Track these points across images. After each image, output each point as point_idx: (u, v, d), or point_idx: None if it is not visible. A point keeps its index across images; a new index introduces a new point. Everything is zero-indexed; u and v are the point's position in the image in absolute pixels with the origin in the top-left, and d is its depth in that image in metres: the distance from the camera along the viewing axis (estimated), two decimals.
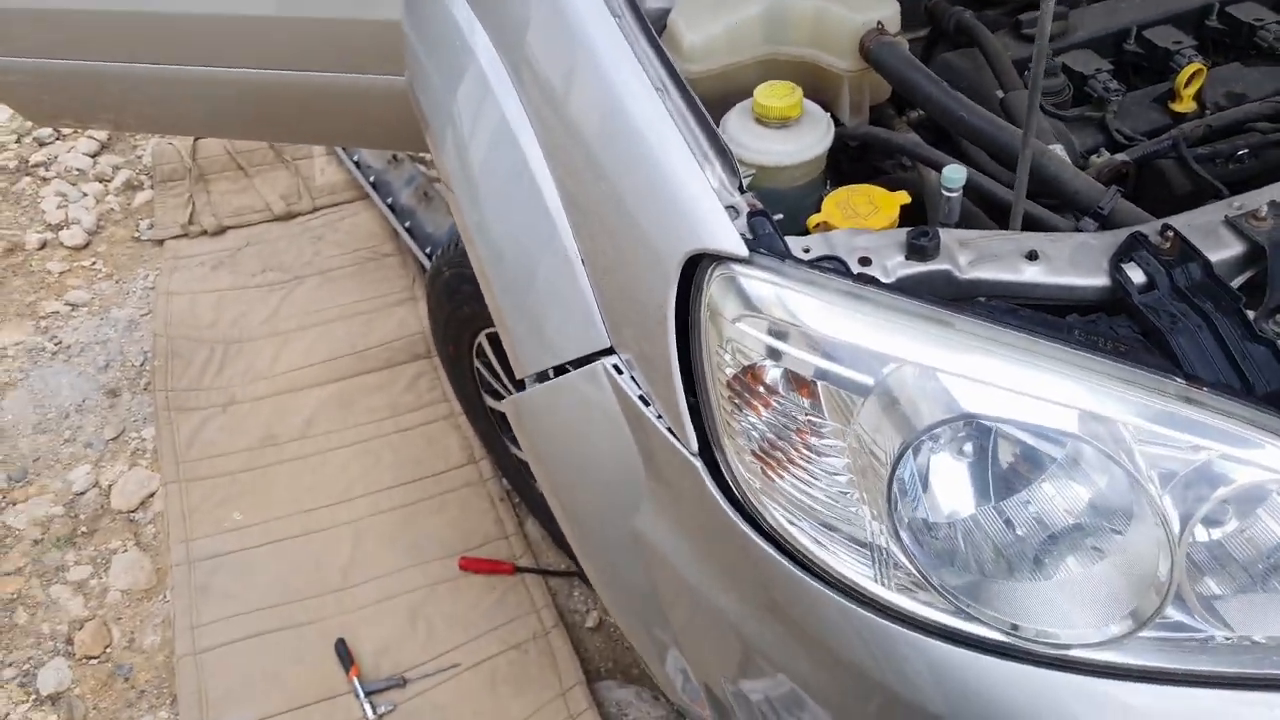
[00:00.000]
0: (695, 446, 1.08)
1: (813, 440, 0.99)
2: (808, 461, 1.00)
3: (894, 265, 1.03)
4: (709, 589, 1.19)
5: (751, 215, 1.04)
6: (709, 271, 1.02)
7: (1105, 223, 1.14)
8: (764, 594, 1.08)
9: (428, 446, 2.57)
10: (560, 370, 1.27)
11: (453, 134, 1.46)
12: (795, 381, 0.99)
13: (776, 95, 1.20)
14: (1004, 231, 1.07)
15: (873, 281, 0.97)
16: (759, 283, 0.99)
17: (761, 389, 1.01)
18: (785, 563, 1.03)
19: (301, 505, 2.45)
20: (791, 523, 1.02)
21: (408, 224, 2.89)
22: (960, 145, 1.33)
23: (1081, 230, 1.13)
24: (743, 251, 0.99)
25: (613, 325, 1.20)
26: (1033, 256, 1.03)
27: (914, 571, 0.95)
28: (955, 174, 1.10)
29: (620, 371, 1.18)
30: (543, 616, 2.26)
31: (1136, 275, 1.01)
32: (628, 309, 1.15)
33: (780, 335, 0.98)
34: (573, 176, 1.22)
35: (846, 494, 0.98)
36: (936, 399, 0.91)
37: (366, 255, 3.04)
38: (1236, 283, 1.03)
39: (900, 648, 0.97)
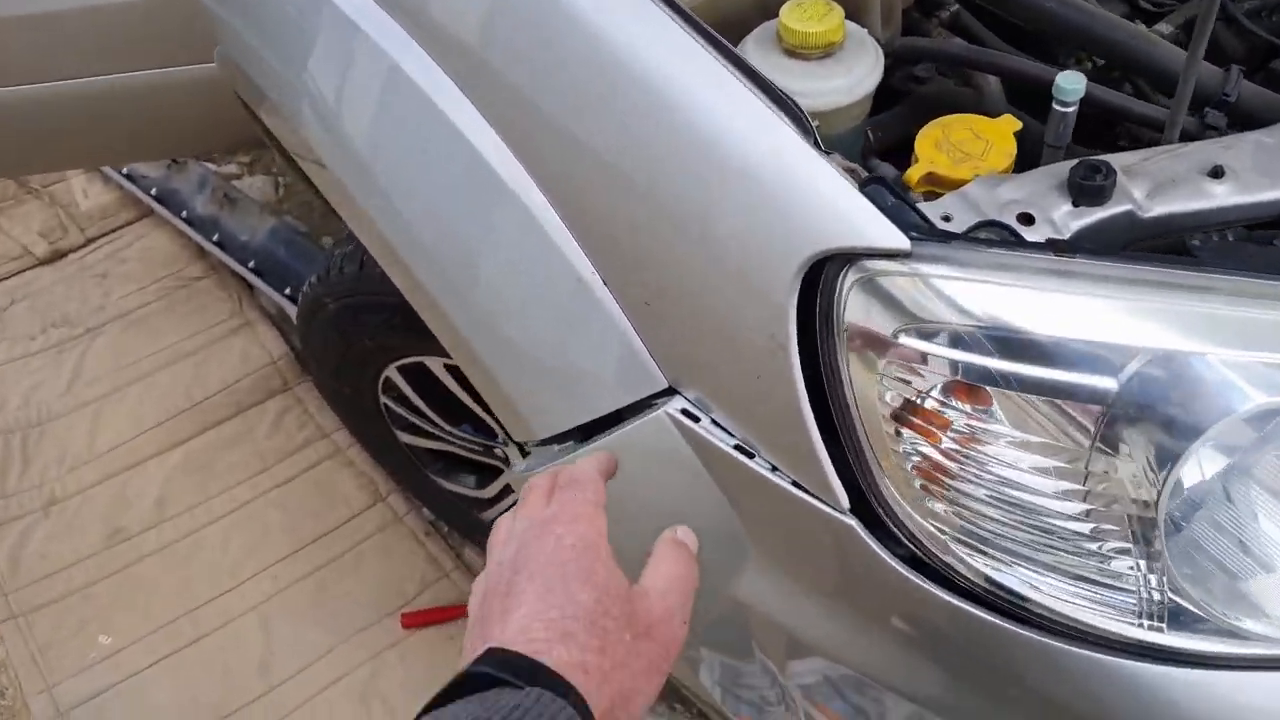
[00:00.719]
0: (846, 503, 0.82)
1: (1021, 473, 0.75)
2: (1013, 499, 0.76)
3: (1063, 217, 0.79)
4: (840, 649, 0.95)
5: (864, 185, 0.77)
6: (842, 278, 0.75)
7: (1232, 111, 0.94)
8: (953, 653, 0.85)
9: (319, 495, 2.17)
10: (593, 428, 0.97)
11: (319, 109, 1.09)
12: (979, 399, 0.74)
13: (813, 17, 0.91)
14: (1166, 148, 0.84)
15: (1073, 248, 0.72)
16: (919, 281, 0.73)
17: (942, 419, 0.76)
18: (993, 618, 0.80)
19: (183, 605, 2.01)
20: (998, 571, 0.78)
21: (215, 237, 2.40)
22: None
23: (1211, 125, 0.93)
24: (901, 244, 0.72)
25: (668, 360, 0.90)
26: (1217, 174, 0.81)
27: (1186, 601, 0.75)
28: (1072, 83, 0.86)
29: (695, 418, 0.90)
30: None
31: None
32: (699, 339, 0.86)
33: (970, 345, 0.72)
34: (570, 179, 0.90)
35: (1081, 530, 0.75)
36: (1215, 391, 0.69)
37: (173, 284, 2.51)
38: None
39: (1173, 689, 0.77)
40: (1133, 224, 0.80)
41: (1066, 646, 0.77)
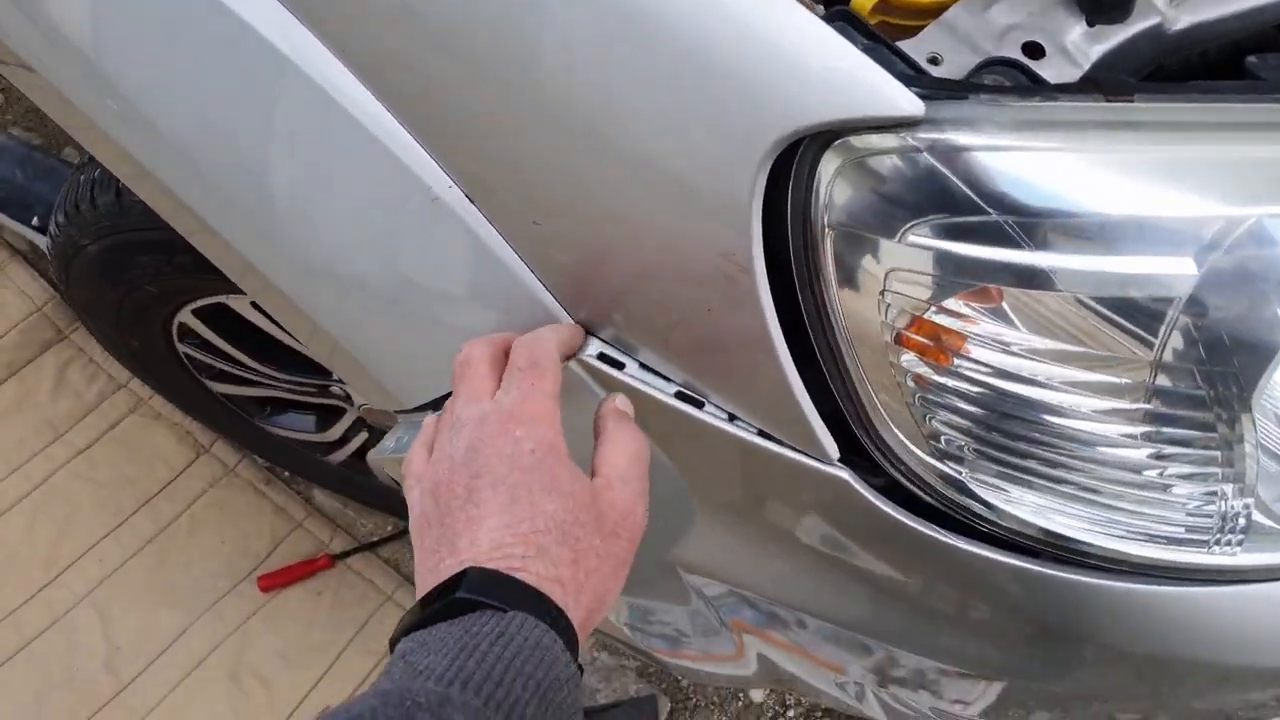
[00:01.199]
0: (835, 453, 0.64)
1: (1061, 394, 0.58)
2: (1050, 427, 0.60)
3: (1078, 43, 0.60)
4: (827, 610, 0.80)
5: (829, 19, 0.55)
6: (821, 164, 0.53)
7: None
8: (980, 605, 0.70)
9: (130, 456, 1.84)
10: None
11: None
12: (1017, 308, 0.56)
13: None
14: None
15: (1126, 87, 0.53)
16: (926, 156, 0.52)
17: (956, 336, 0.57)
18: (1031, 564, 0.65)
19: None
20: (1038, 513, 0.63)
21: None
22: None
23: None
24: (911, 108, 0.50)
25: (573, 294, 0.68)
26: None
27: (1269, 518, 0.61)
28: None
29: (618, 364, 0.68)
30: (397, 598, 1.77)
31: None
32: (617, 266, 0.63)
33: (999, 237, 0.53)
34: (399, 54, 0.63)
35: (1136, 458, 0.59)
36: None
37: None
38: None
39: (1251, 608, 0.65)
40: (1159, 40, 0.62)
41: (1130, 585, 0.63)
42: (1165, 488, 0.60)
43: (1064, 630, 0.69)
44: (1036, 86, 0.55)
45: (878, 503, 0.64)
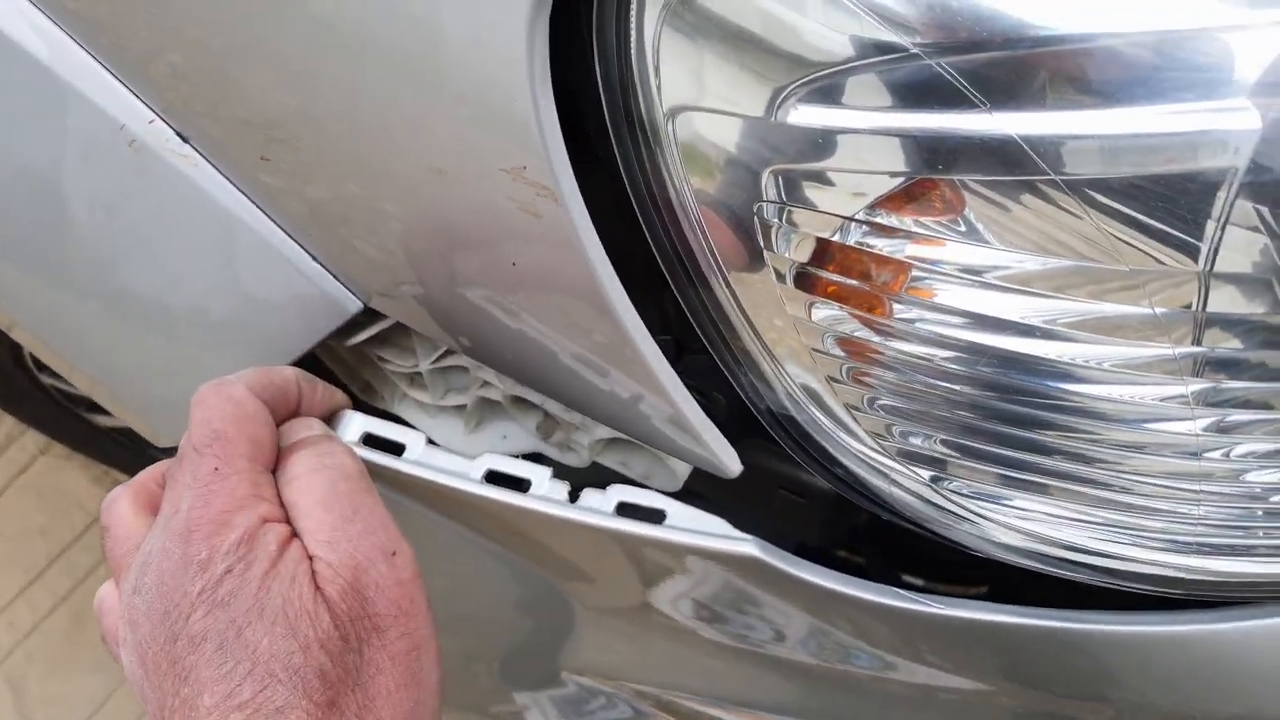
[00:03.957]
0: (736, 465, 0.43)
1: (1068, 345, 0.37)
2: (1058, 396, 0.39)
3: None
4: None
5: None
6: (630, 18, 0.33)
7: None
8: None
9: (42, 504, 1.67)
10: None
11: None
12: (956, 208, 0.36)
13: None
14: None
15: None
16: None
17: (896, 266, 0.37)
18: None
19: None
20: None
21: None
22: None
23: None
24: None
25: (343, 263, 0.47)
26: None
27: None
28: None
29: (395, 447, 0.47)
30: None
31: None
32: (384, 214, 0.42)
33: (947, 99, 0.32)
34: None
35: (1185, 431, 0.38)
36: None
37: None
38: None
39: None
40: None
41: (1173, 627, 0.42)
42: (1236, 475, 0.39)
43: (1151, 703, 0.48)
44: None
45: (810, 576, 0.43)
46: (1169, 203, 0.34)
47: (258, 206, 0.46)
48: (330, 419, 0.47)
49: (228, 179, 0.46)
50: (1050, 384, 0.39)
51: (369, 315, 0.49)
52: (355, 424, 0.47)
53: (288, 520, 0.41)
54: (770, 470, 0.49)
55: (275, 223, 0.46)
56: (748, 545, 0.43)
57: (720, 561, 0.44)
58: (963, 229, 0.37)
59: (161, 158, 0.46)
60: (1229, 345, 0.36)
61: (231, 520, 0.41)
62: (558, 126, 0.35)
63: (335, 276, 0.47)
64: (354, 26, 0.36)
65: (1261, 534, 0.40)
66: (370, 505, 0.43)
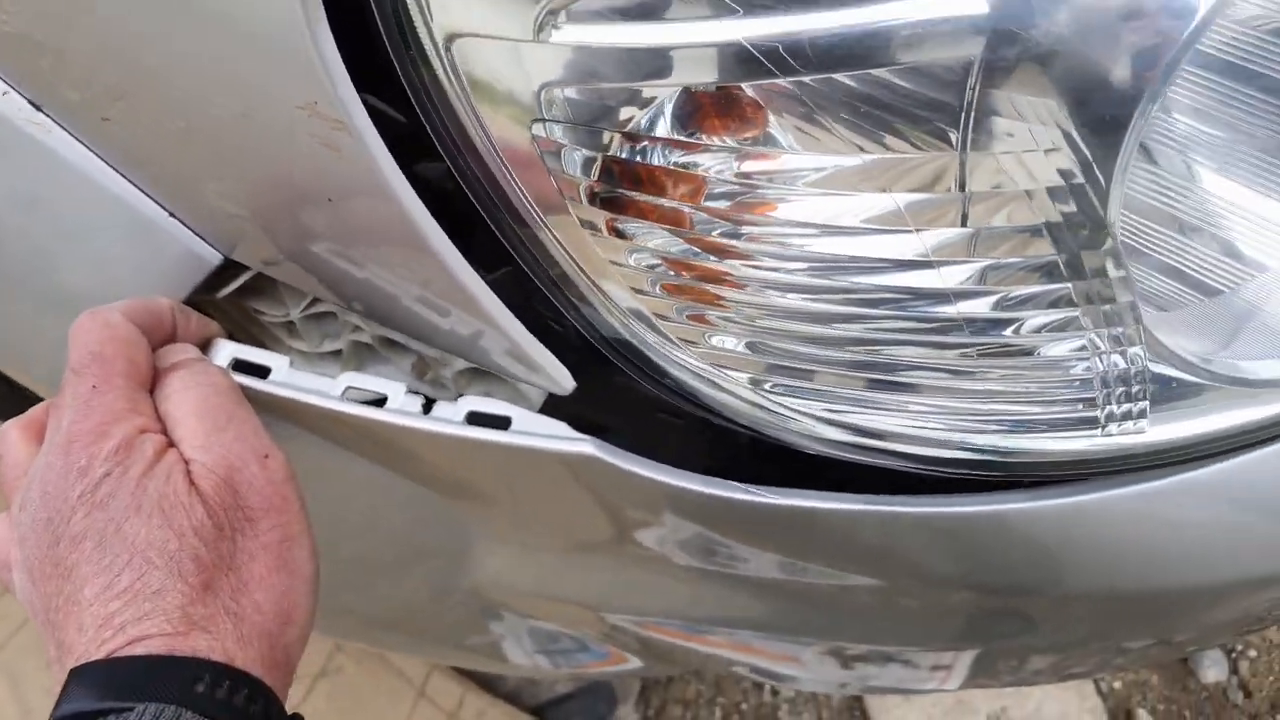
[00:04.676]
0: (569, 383, 0.46)
1: (848, 239, 0.39)
2: (847, 289, 0.41)
3: None
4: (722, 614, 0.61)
5: None
6: None
7: None
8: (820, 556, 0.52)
9: None
10: None
11: None
12: (749, 120, 0.38)
13: None
14: None
15: None
16: None
17: (691, 179, 0.38)
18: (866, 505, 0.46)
19: None
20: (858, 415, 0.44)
21: None
22: None
23: None
24: None
25: (203, 221, 0.49)
26: None
27: (1172, 366, 0.42)
28: None
29: (260, 370, 0.50)
30: None
31: None
32: (219, 157, 0.44)
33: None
34: None
35: (977, 310, 0.40)
36: None
37: None
38: None
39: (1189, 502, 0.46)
40: None
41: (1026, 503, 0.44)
42: (1028, 351, 0.41)
43: (987, 583, 0.50)
44: None
45: (647, 472, 0.45)
46: (918, 96, 0.36)
47: (111, 166, 0.48)
48: (204, 347, 0.50)
49: (81, 142, 0.48)
50: (850, 279, 0.41)
51: (234, 267, 0.52)
52: (225, 350, 0.50)
53: (165, 433, 0.44)
54: (640, 393, 0.51)
55: (130, 181, 0.49)
56: (585, 445, 0.45)
57: (563, 462, 0.46)
58: (749, 138, 0.39)
59: (17, 127, 0.48)
60: (989, 229, 0.38)
61: (110, 430, 0.43)
62: (338, 58, 0.36)
63: (193, 230, 0.49)
64: None
65: (1078, 408, 0.42)
66: (243, 416, 0.45)
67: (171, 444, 0.44)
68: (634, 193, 0.39)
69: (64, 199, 0.49)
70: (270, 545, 0.43)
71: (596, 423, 0.50)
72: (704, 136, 0.39)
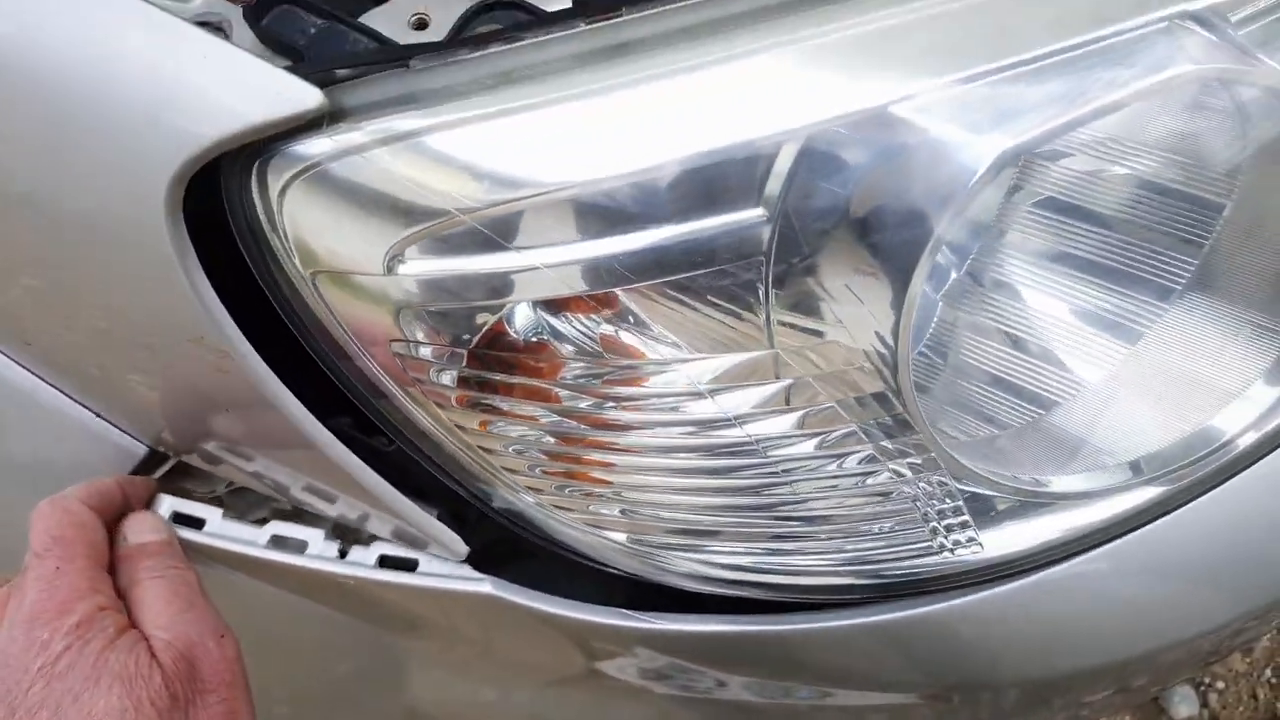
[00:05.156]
0: (462, 548, 0.50)
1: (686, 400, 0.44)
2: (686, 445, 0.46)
3: None
4: None
5: (262, 12, 0.42)
6: (252, 186, 0.40)
7: None
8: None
9: None
10: None
11: None
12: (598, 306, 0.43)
13: None
14: None
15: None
16: (404, 149, 0.38)
17: (548, 364, 0.44)
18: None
19: None
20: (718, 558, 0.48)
21: None
22: None
23: None
24: (312, 100, 0.37)
25: (134, 422, 0.54)
26: None
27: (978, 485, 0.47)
28: None
29: (196, 522, 0.54)
30: None
31: None
32: (133, 382, 0.49)
33: (513, 232, 0.39)
34: None
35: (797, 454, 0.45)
36: (936, 156, 0.38)
37: None
38: None
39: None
40: None
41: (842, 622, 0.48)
42: (859, 478, 0.46)
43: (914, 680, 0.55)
44: (521, 25, 0.41)
45: (541, 605, 0.50)
46: (729, 293, 0.41)
47: (39, 378, 0.53)
48: (149, 502, 0.55)
49: (12, 359, 0.53)
50: (702, 439, 0.46)
51: (160, 454, 0.56)
52: (166, 504, 0.54)
53: (122, 611, 0.47)
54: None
55: (59, 390, 0.53)
56: (485, 584, 0.50)
57: (464, 601, 0.51)
58: (606, 316, 0.44)
59: None
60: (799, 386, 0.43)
61: (73, 607, 0.46)
62: (216, 299, 0.42)
63: (119, 428, 0.54)
64: (51, 212, 0.43)
65: (903, 536, 0.47)
66: (203, 601, 0.49)
67: (133, 624, 0.47)
68: (495, 398, 0.44)
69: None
70: (217, 717, 0.46)
71: (509, 558, 0.55)
72: (565, 316, 0.44)
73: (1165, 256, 0.51)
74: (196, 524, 0.54)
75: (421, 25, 0.45)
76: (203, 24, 0.44)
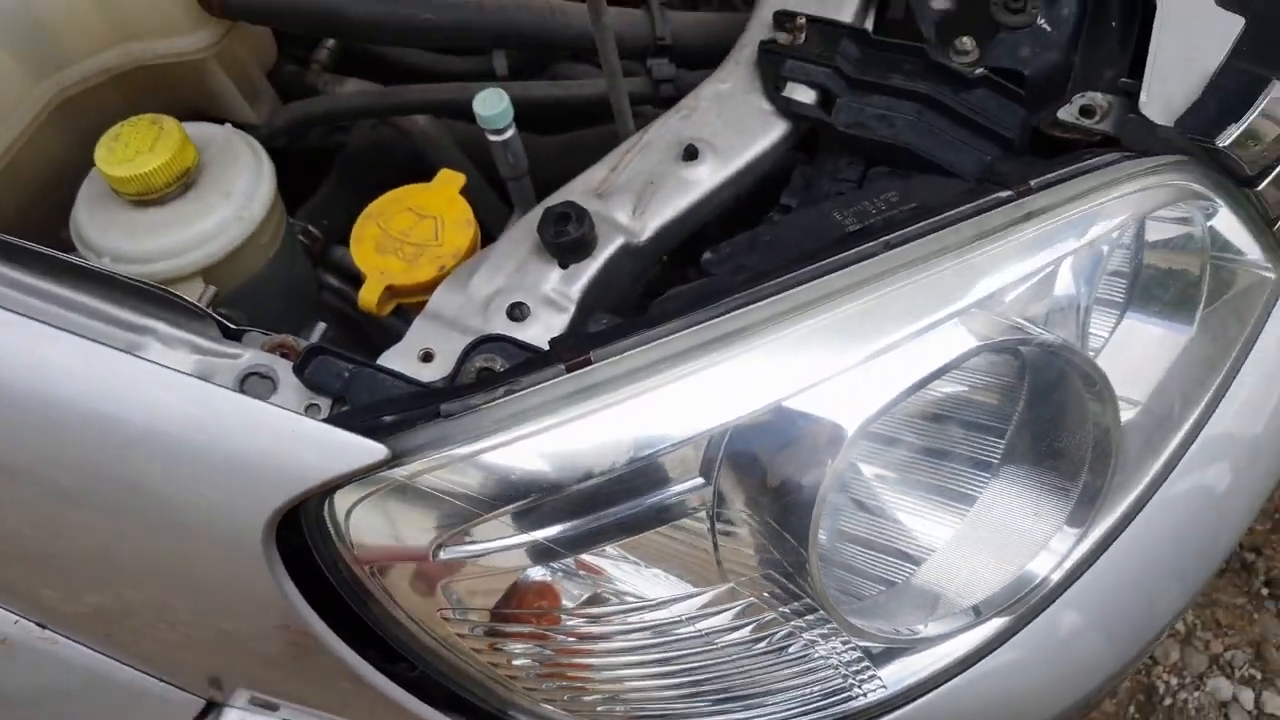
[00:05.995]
0: None
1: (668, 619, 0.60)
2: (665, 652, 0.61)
3: (558, 288, 0.62)
4: None
5: (303, 365, 0.56)
6: (327, 516, 0.53)
7: (675, 54, 0.81)
8: None
9: None
10: None
11: None
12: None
13: (138, 149, 0.66)
14: (627, 143, 0.69)
15: (581, 344, 0.55)
16: (433, 477, 0.53)
17: (546, 614, 0.58)
18: None
19: None
20: None
21: None
22: None
23: (662, 79, 0.80)
24: (372, 454, 0.51)
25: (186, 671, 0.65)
26: (692, 154, 0.67)
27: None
28: (493, 108, 0.69)
29: (272, 705, 0.66)
30: None
31: (803, 94, 0.71)
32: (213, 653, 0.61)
33: (527, 521, 0.54)
34: None
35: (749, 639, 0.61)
36: (811, 437, 0.55)
37: None
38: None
39: None
40: (635, 255, 0.65)
41: None
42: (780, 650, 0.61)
43: None
44: (509, 370, 0.56)
45: None
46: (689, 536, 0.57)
47: (112, 658, 0.64)
48: None
49: (87, 647, 0.63)
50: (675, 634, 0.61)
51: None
52: None
53: None
54: None
55: (133, 668, 0.64)
56: None
57: None
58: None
59: (30, 645, 0.63)
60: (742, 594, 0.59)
61: None
62: (300, 596, 0.54)
63: (183, 689, 0.65)
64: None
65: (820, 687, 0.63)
66: None
67: None
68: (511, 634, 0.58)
69: (69, 694, 0.64)
70: None
71: None
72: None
73: (978, 442, 0.71)
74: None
75: (428, 358, 0.59)
76: (253, 374, 0.58)
